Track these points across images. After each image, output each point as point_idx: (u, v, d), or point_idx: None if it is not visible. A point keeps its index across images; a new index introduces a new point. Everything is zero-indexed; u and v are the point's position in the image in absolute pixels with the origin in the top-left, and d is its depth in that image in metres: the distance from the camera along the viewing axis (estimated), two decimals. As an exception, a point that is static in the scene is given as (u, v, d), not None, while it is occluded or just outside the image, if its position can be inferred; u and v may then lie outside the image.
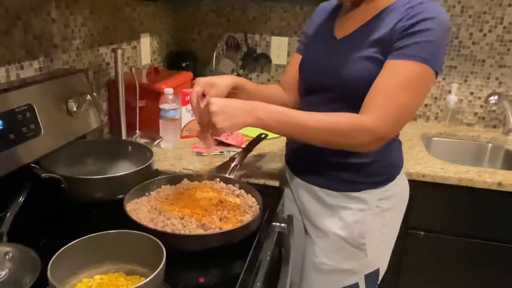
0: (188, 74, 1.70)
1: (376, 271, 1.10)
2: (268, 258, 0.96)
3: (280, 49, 2.02)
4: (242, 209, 0.96)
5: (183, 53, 2.03)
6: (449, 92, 1.91)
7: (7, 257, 0.77)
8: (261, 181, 1.20)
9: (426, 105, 1.98)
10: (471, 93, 1.93)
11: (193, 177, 1.09)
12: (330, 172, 1.05)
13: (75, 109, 1.12)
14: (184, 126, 1.53)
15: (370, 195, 1.04)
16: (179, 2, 2.01)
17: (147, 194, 1.02)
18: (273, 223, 1.03)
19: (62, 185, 0.96)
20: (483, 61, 1.88)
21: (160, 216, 0.91)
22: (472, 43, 1.86)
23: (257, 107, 0.90)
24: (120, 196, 0.95)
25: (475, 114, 1.95)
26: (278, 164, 1.31)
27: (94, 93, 1.19)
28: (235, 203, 0.98)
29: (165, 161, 1.32)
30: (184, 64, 1.96)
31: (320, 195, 1.07)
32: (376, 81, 0.90)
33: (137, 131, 1.42)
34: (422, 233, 1.50)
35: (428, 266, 1.55)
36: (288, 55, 2.02)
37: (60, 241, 0.72)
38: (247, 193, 1.03)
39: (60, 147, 1.07)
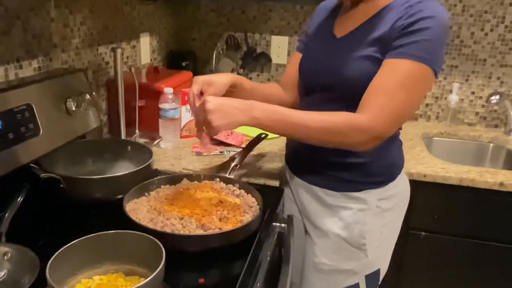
0: (188, 74, 1.69)
1: (377, 272, 1.10)
2: (268, 258, 0.96)
3: (280, 49, 2.01)
4: (242, 209, 0.95)
5: (183, 53, 2.03)
6: (450, 91, 1.90)
7: (5, 257, 0.77)
8: (261, 181, 1.20)
9: (427, 105, 1.98)
10: (472, 93, 1.92)
11: (193, 177, 1.09)
12: (330, 172, 1.04)
13: (74, 108, 1.11)
14: (184, 126, 1.52)
15: (370, 195, 1.03)
16: (179, 1, 2.01)
17: (146, 194, 1.01)
18: (273, 223, 1.02)
19: (61, 185, 0.96)
20: (485, 60, 1.87)
21: (160, 216, 0.90)
22: (473, 43, 1.86)
23: (253, 106, 0.90)
24: (120, 196, 0.95)
25: (477, 113, 1.95)
26: (278, 164, 1.31)
27: (94, 93, 1.19)
28: (235, 203, 0.98)
29: (164, 161, 1.31)
30: (184, 64, 1.95)
31: (320, 195, 1.07)
32: (373, 80, 0.90)
33: (137, 130, 1.42)
34: (423, 233, 1.50)
35: (429, 267, 1.54)
36: (288, 54, 2.01)
37: (59, 242, 0.71)
38: (247, 193, 1.03)
39: (59, 147, 1.07)
